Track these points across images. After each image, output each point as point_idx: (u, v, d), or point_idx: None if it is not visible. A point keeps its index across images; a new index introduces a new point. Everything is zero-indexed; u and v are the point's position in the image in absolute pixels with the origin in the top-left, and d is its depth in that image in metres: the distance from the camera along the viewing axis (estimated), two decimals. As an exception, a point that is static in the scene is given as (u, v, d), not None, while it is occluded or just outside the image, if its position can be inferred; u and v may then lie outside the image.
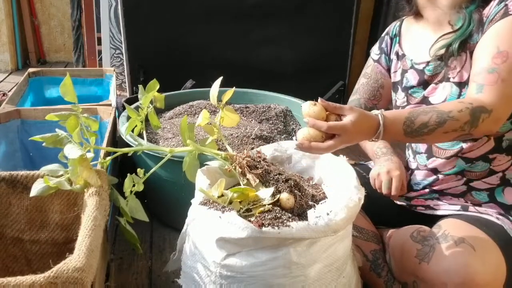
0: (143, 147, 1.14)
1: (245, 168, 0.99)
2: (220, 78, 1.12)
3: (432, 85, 1.11)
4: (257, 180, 0.97)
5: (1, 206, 1.01)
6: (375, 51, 1.31)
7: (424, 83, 1.14)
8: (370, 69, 1.32)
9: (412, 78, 1.17)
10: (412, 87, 1.16)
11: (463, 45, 1.02)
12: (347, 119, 0.88)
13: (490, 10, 0.99)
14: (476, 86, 0.95)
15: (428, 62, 1.12)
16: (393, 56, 1.25)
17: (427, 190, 1.16)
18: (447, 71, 1.07)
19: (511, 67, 0.92)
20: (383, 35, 1.30)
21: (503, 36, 0.94)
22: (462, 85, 1.05)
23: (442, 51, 1.06)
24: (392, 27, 1.28)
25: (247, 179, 0.98)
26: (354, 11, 2.42)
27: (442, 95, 1.09)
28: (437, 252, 0.94)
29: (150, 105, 1.20)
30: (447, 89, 1.07)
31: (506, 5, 0.96)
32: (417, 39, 1.18)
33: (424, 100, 1.14)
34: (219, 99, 1.13)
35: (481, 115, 0.91)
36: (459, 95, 1.05)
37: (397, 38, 1.24)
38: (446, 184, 1.13)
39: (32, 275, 0.66)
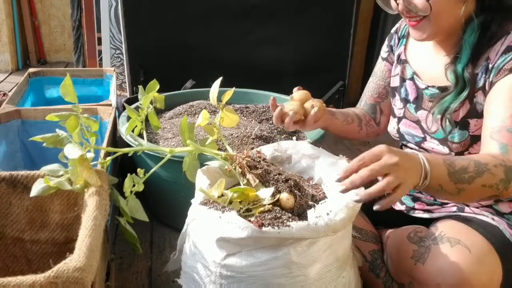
0: (143, 147, 1.14)
1: (245, 168, 0.99)
2: (220, 79, 1.13)
3: (426, 111, 1.09)
4: (257, 180, 0.97)
5: (1, 206, 1.01)
6: (384, 49, 1.26)
7: (419, 103, 1.11)
8: (377, 68, 1.28)
9: (410, 91, 1.14)
10: (410, 101, 1.14)
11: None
12: (377, 147, 0.80)
13: (496, 56, 0.94)
14: (498, 145, 0.90)
15: (428, 86, 1.09)
16: (395, 58, 1.22)
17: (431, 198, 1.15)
18: None
19: None
20: (392, 31, 1.25)
21: None
22: (455, 124, 1.02)
23: (444, 83, 1.04)
24: (403, 26, 1.21)
25: (247, 179, 0.98)
26: (354, 11, 2.42)
27: (434, 126, 1.07)
28: (432, 253, 0.94)
29: (150, 105, 1.20)
30: (439, 121, 1.05)
31: None
32: (424, 51, 1.12)
33: (419, 123, 1.12)
34: (219, 99, 1.13)
35: None
36: (450, 133, 1.03)
37: (404, 40, 1.19)
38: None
39: (33, 275, 0.66)
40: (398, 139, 1.21)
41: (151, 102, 1.20)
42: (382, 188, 0.77)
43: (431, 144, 1.09)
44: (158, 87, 1.18)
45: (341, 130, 1.28)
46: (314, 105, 1.11)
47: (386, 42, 1.26)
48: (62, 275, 0.66)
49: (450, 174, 0.84)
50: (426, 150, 1.12)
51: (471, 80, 0.97)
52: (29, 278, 0.65)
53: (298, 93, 1.14)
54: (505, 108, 0.91)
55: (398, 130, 1.18)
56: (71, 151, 0.92)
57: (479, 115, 0.99)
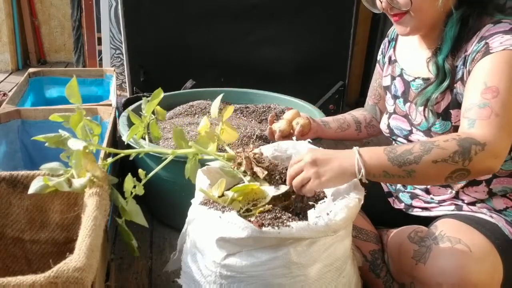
0: (145, 149, 1.14)
1: (253, 162, 0.99)
2: (221, 95, 1.20)
3: (412, 104, 1.13)
4: (266, 172, 0.97)
5: (1, 206, 1.01)
6: (379, 52, 1.34)
7: (406, 97, 1.16)
8: (375, 70, 1.36)
9: (399, 87, 1.19)
10: (399, 96, 1.19)
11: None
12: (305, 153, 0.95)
13: (472, 47, 0.98)
14: (467, 121, 0.92)
15: (415, 78, 1.13)
16: (386, 60, 1.27)
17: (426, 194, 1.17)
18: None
19: (504, 102, 0.89)
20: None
21: (488, 73, 0.92)
22: (437, 115, 1.06)
23: (427, 75, 1.08)
24: (392, 30, 1.29)
25: (255, 172, 0.98)
26: (354, 11, 2.42)
27: (418, 117, 1.11)
28: (433, 253, 0.94)
29: (152, 115, 1.22)
30: (422, 112, 1.09)
31: (486, 43, 0.95)
32: (410, 48, 1.18)
33: (406, 117, 1.16)
34: (219, 102, 1.15)
35: (472, 146, 0.85)
36: (433, 124, 1.07)
37: (394, 42, 1.26)
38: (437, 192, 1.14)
39: (33, 275, 0.66)
40: (389, 134, 1.24)
41: (153, 112, 1.22)
42: (292, 181, 0.93)
43: (417, 136, 1.13)
44: (162, 95, 1.20)
45: (335, 137, 1.38)
46: (298, 122, 1.24)
47: (381, 46, 1.33)
48: (62, 275, 0.66)
49: (391, 159, 0.88)
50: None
51: (451, 71, 1.02)
52: (29, 278, 0.65)
53: (288, 112, 1.30)
54: (476, 88, 0.94)
55: (388, 125, 1.22)
56: (75, 143, 0.92)
57: (460, 105, 1.01)
